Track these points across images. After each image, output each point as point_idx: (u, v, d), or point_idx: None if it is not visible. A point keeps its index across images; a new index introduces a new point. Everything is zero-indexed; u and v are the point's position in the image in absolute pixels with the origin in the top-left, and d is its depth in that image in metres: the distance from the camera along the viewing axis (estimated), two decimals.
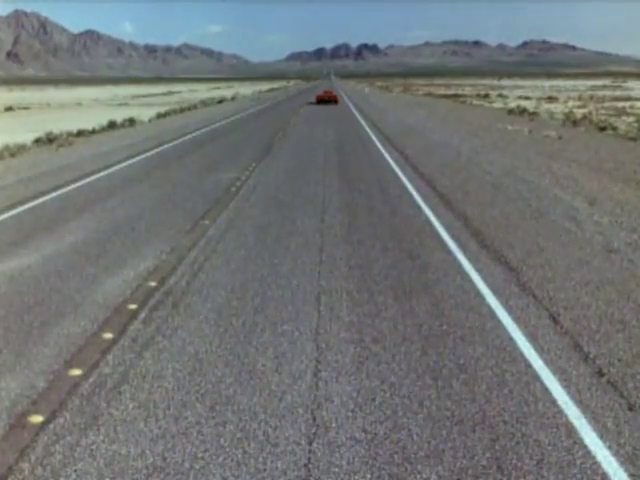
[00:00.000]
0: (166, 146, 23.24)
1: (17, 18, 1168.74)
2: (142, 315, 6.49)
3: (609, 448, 4.20)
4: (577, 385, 5.04)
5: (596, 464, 4.04)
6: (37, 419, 4.54)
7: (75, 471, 3.97)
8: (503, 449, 4.19)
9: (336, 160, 19.07)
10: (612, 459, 4.09)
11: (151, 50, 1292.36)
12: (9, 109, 53.76)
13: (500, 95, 73.43)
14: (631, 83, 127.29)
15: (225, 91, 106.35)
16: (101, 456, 4.12)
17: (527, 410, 4.66)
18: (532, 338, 5.90)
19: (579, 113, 37.07)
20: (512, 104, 50.45)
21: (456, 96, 73.67)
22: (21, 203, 12.26)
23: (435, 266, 8.11)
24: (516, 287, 7.32)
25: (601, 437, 4.32)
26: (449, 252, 8.75)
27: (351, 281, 7.54)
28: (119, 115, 35.72)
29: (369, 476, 3.93)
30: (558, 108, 44.87)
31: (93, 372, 5.25)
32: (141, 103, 66.55)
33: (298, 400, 4.80)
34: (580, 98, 64.09)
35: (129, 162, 18.71)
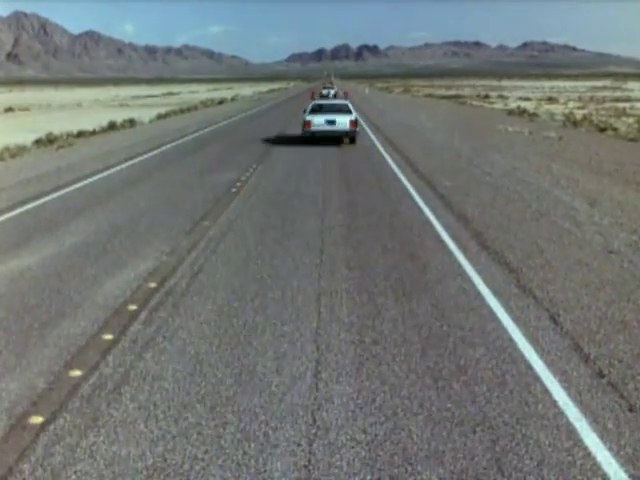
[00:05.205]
0: (166, 147, 23.25)
1: (17, 19, 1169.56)
2: (142, 316, 6.49)
3: (609, 449, 4.20)
4: (577, 386, 5.04)
5: (596, 465, 4.04)
6: (37, 420, 4.54)
7: (75, 472, 3.96)
8: (503, 450, 4.19)
9: (335, 161, 19.08)
10: (612, 460, 4.09)
11: (151, 51, 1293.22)
12: (9, 110, 53.74)
13: (500, 96, 73.46)
14: (631, 84, 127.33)
15: (225, 92, 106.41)
16: (101, 457, 4.12)
17: (527, 411, 4.66)
18: (532, 339, 5.90)
19: (579, 114, 37.08)
20: (512, 105, 50.51)
21: (456, 97, 73.70)
22: (21, 204, 12.26)
23: (435, 267, 8.11)
24: (516, 288, 7.32)
25: (601, 438, 4.32)
26: (449, 253, 8.75)
27: (351, 282, 7.54)
28: (119, 116, 35.72)
29: (369, 477, 3.93)
30: (558, 109, 44.88)
31: (93, 373, 5.25)
32: (141, 104, 66.59)
33: (298, 401, 4.80)
34: (580, 99, 64.13)
35: (129, 163, 18.72)
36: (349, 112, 23.28)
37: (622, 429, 4.43)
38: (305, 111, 24.10)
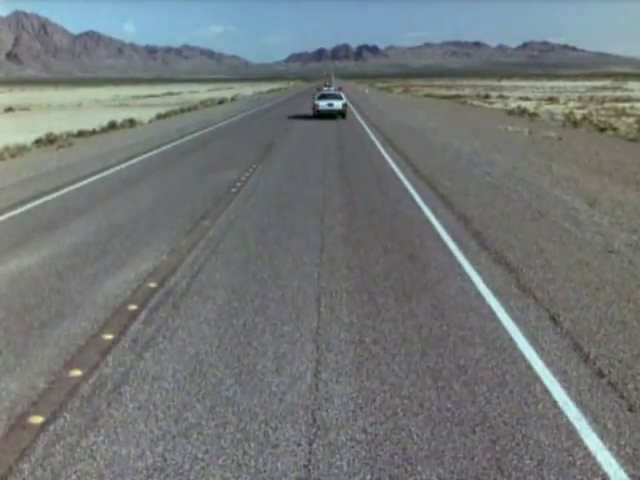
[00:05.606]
0: (166, 147, 23.24)
1: (17, 19, 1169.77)
2: (142, 316, 6.49)
3: (609, 449, 4.20)
4: (577, 386, 5.04)
5: (596, 465, 4.05)
6: (37, 420, 4.54)
7: (75, 472, 3.97)
8: (503, 450, 4.19)
9: (336, 161, 19.07)
10: (612, 460, 4.09)
11: (151, 51, 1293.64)
12: (9, 110, 53.74)
13: (500, 96, 73.45)
14: (631, 84, 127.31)
15: (225, 92, 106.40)
16: (101, 457, 4.12)
17: (527, 411, 4.66)
18: (532, 339, 5.91)
19: (579, 114, 37.09)
20: (512, 105, 50.51)
21: (456, 97, 73.68)
22: (21, 204, 12.26)
23: (435, 267, 8.11)
24: (516, 288, 7.33)
25: (601, 438, 4.32)
26: (449, 253, 8.75)
27: (351, 282, 7.54)
28: (119, 116, 35.73)
29: (369, 477, 3.93)
30: (558, 109, 44.88)
31: (93, 373, 5.25)
32: (141, 104, 66.57)
33: (298, 401, 4.80)
34: (580, 99, 64.11)
35: (129, 163, 18.71)
36: (341, 98, 38.08)
37: (622, 429, 4.43)
38: (314, 98, 39.42)
